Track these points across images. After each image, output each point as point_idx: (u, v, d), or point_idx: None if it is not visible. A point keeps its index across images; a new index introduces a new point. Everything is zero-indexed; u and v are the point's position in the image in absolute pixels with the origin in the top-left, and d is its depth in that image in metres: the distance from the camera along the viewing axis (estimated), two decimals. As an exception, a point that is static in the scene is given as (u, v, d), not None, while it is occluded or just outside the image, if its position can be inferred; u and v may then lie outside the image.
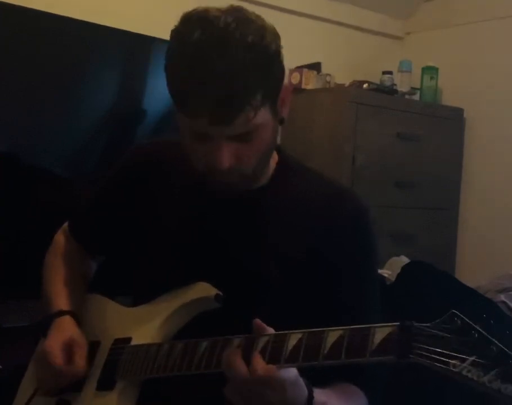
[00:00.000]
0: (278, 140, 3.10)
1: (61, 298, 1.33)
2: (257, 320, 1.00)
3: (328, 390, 1.07)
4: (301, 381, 0.98)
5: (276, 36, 1.07)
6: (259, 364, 0.94)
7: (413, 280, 2.10)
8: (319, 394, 1.02)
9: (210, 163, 1.08)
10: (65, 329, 1.25)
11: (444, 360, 0.77)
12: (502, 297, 2.18)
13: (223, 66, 0.99)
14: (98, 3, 2.44)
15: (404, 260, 2.46)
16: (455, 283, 2.08)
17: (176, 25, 1.07)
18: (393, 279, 2.18)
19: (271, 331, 0.99)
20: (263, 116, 1.06)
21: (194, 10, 1.07)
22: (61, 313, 1.28)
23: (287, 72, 2.80)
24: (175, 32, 1.07)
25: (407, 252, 2.65)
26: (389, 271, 2.32)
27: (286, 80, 1.15)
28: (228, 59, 1.00)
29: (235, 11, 1.05)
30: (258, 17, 1.07)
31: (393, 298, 1.96)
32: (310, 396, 0.99)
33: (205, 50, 1.01)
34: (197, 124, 1.05)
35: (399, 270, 2.15)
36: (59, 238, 1.46)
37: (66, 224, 1.47)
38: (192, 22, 1.04)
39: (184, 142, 1.13)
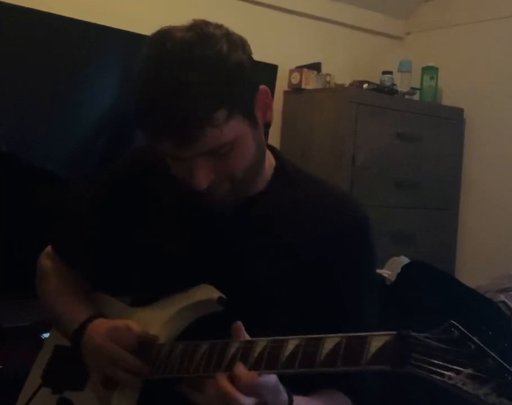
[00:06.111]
0: (278, 141, 3.10)
1: (80, 309, 1.27)
2: (239, 324, 1.00)
3: (310, 398, 1.08)
4: (281, 388, 0.98)
5: (239, 46, 1.05)
6: (247, 379, 0.94)
7: (413, 280, 2.10)
8: (300, 401, 1.02)
9: (191, 183, 1.08)
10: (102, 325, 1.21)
11: (439, 372, 0.77)
12: (502, 297, 2.19)
13: (177, 89, 0.99)
14: (98, 3, 2.44)
15: (404, 260, 2.46)
16: (455, 283, 2.08)
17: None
18: (393, 279, 2.19)
19: (246, 337, 1.00)
20: (236, 128, 1.05)
21: (158, 31, 1.07)
22: (92, 318, 1.23)
23: (287, 72, 2.82)
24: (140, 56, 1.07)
25: (407, 252, 2.65)
26: (389, 271, 2.32)
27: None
28: (184, 82, 0.99)
29: (195, 27, 1.04)
30: (219, 28, 1.06)
31: (392, 298, 1.97)
32: (290, 403, 0.99)
33: (161, 74, 1.01)
34: (163, 147, 1.06)
35: (399, 270, 2.16)
36: (46, 262, 1.39)
37: (49, 248, 1.40)
38: (151, 44, 1.05)
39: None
